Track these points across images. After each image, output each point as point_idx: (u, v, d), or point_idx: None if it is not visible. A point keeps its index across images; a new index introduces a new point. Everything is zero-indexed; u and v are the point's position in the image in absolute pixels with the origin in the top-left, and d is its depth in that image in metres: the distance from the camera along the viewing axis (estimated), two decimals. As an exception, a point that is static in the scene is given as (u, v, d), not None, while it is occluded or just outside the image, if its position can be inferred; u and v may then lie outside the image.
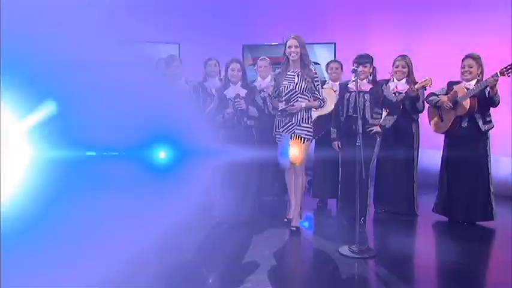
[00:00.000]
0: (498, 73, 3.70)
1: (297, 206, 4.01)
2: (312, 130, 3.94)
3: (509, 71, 3.67)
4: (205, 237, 3.81)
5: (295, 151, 3.89)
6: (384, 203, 4.45)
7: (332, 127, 4.11)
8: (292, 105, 3.82)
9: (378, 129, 3.89)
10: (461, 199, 4.09)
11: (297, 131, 3.88)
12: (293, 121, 3.88)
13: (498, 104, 3.90)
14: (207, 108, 4.21)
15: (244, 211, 4.08)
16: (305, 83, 3.84)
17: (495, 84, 3.76)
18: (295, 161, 3.91)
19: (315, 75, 3.89)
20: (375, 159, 4.03)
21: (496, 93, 3.83)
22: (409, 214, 4.36)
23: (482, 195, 4.05)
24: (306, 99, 3.88)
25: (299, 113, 3.87)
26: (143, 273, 3.08)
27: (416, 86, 4.12)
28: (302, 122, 3.88)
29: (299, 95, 3.86)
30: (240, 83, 3.99)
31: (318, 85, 3.91)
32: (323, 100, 3.94)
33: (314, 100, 3.90)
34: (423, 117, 4.39)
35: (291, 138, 3.89)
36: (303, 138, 3.88)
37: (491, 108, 4.01)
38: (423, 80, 4.13)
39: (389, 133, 4.20)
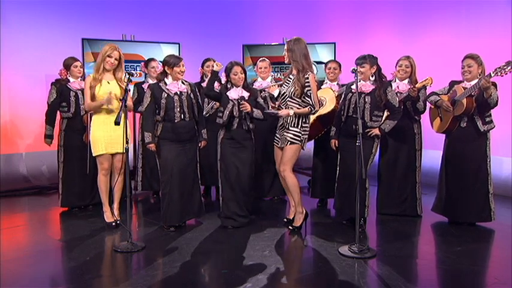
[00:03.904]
0: (491, 73, 3.64)
1: (295, 206, 3.99)
2: (299, 134, 3.87)
3: (504, 70, 3.59)
4: (206, 237, 3.81)
5: (282, 155, 3.92)
6: (386, 204, 4.43)
7: (333, 125, 4.10)
8: (277, 111, 3.86)
9: (376, 132, 3.86)
10: (459, 200, 4.07)
11: (285, 133, 3.89)
12: (284, 124, 3.90)
13: (495, 105, 3.83)
14: (205, 109, 4.21)
15: (244, 211, 4.07)
16: (294, 89, 3.82)
17: (488, 86, 3.68)
18: (278, 164, 3.96)
19: (306, 82, 3.80)
20: (373, 160, 4.01)
21: (491, 95, 3.75)
22: (412, 215, 4.36)
23: (480, 196, 4.02)
24: (296, 103, 3.84)
25: (289, 117, 3.85)
26: (141, 274, 3.09)
27: (416, 86, 4.10)
28: (291, 125, 3.87)
29: (288, 99, 3.87)
30: (241, 85, 3.99)
31: (308, 91, 3.80)
32: (313, 106, 3.84)
33: (304, 106, 3.83)
34: (425, 118, 4.38)
35: (279, 141, 3.92)
36: (288, 141, 3.86)
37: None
38: (423, 79, 4.12)
39: (392, 134, 4.19)
